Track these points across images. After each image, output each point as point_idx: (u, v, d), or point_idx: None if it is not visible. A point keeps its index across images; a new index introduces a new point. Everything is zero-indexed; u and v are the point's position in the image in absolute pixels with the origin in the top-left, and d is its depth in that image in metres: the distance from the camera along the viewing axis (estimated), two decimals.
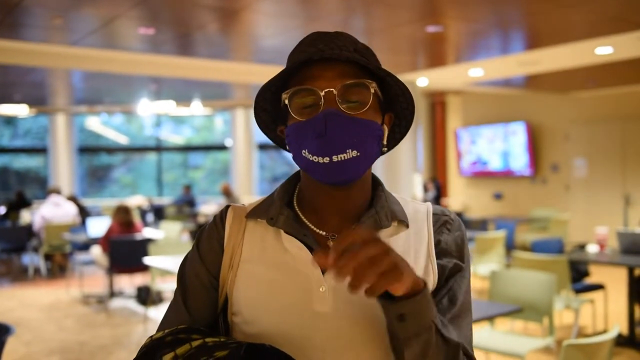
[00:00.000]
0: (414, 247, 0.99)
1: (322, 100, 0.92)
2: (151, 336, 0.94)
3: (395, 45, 6.67)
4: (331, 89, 0.92)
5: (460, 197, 12.11)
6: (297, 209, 1.03)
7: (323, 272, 0.94)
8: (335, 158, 0.91)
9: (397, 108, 1.04)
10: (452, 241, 1.02)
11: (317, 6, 5.21)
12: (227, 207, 1.07)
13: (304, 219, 1.01)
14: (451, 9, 5.29)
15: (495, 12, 5.34)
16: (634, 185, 9.51)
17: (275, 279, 0.96)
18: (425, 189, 11.01)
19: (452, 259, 1.01)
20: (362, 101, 0.94)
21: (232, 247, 1.01)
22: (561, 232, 8.26)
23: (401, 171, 8.49)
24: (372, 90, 0.95)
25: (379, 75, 0.97)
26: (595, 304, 5.22)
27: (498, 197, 11.46)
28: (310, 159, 0.93)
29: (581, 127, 10.21)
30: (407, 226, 1.00)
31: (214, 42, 6.56)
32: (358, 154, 0.93)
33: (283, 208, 1.00)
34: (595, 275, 6.20)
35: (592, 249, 5.35)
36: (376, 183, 1.05)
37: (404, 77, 8.29)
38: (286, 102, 0.96)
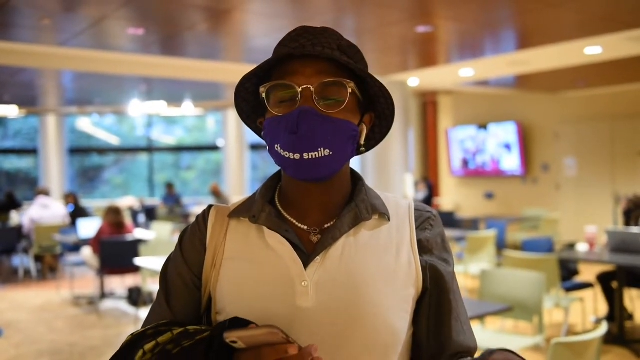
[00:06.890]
0: (396, 241, 1.00)
1: (300, 96, 0.93)
2: (132, 333, 0.94)
3: (386, 46, 6.68)
4: (309, 86, 0.93)
5: (452, 196, 12.14)
6: (278, 206, 1.04)
7: (305, 267, 0.95)
8: (306, 155, 0.93)
9: (378, 108, 1.04)
10: (435, 238, 1.03)
11: (307, 6, 5.21)
12: (210, 207, 1.07)
13: (286, 215, 1.02)
14: (441, 9, 5.30)
15: (485, 12, 5.36)
16: (624, 184, 9.57)
17: (257, 275, 0.96)
18: (417, 189, 11.03)
19: (435, 257, 1.02)
20: (339, 100, 0.95)
21: (214, 246, 1.01)
22: (551, 231, 8.31)
23: (392, 171, 8.50)
24: (350, 90, 0.95)
25: (360, 75, 0.97)
26: (585, 302, 5.25)
27: (489, 196, 11.50)
28: (282, 154, 0.95)
29: (571, 127, 10.27)
30: (389, 219, 1.01)
31: (204, 42, 6.54)
32: (331, 152, 0.93)
33: (265, 205, 1.01)
34: (585, 273, 6.23)
35: (582, 247, 5.39)
36: (356, 178, 1.06)
37: (394, 78, 8.30)
38: (263, 95, 0.97)
